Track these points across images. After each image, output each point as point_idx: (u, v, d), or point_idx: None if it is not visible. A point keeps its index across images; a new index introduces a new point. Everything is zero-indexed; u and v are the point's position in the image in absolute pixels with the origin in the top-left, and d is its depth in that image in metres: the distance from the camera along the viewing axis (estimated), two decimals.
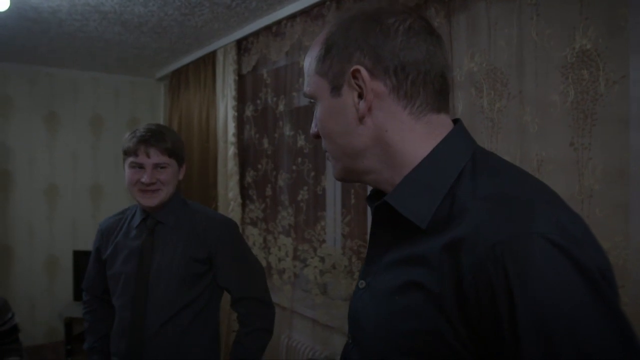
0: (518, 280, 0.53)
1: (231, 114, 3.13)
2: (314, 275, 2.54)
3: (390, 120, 0.69)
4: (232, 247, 1.66)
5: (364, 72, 0.67)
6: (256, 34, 2.93)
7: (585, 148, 1.51)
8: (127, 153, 1.55)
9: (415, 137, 0.69)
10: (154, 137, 1.53)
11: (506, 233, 0.56)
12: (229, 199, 3.13)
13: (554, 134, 1.56)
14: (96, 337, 1.75)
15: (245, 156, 3.18)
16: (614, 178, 1.45)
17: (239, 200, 3.11)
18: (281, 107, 2.81)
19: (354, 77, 0.68)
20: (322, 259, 2.52)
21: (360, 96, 0.69)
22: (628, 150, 1.42)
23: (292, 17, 2.61)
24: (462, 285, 0.57)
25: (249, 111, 3.14)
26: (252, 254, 1.75)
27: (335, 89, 0.70)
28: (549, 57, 1.57)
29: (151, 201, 1.55)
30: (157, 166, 1.54)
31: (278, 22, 2.71)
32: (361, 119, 0.69)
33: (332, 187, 2.58)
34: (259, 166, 3.04)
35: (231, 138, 3.13)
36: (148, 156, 1.53)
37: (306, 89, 0.76)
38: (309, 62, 0.75)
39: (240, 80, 3.16)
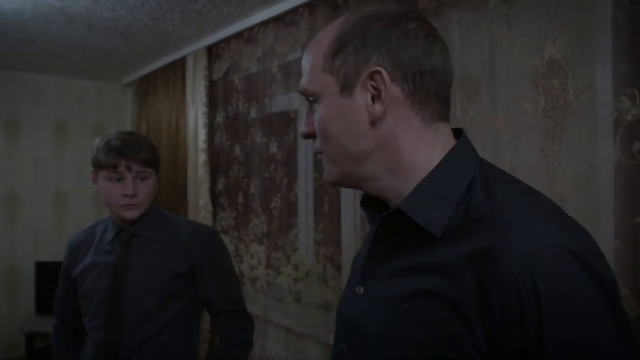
0: (547, 295, 0.54)
1: (202, 120, 3.08)
2: (287, 283, 2.52)
3: (401, 126, 0.68)
4: (217, 257, 1.59)
5: (385, 75, 0.66)
6: (227, 40, 2.90)
7: (555, 155, 1.54)
8: (102, 166, 1.45)
9: (424, 144, 0.68)
10: (132, 149, 1.44)
11: (535, 246, 0.56)
12: (199, 206, 3.08)
13: (525, 141, 1.59)
14: None
15: (216, 163, 3.14)
16: (583, 184, 1.49)
17: (210, 207, 3.06)
18: (253, 114, 2.79)
19: (371, 78, 0.66)
20: (296, 267, 2.50)
21: (374, 99, 0.67)
22: (596, 157, 1.47)
23: (265, 23, 2.60)
24: (487, 295, 0.57)
25: (219, 118, 3.10)
26: (232, 264, 1.70)
27: (347, 89, 0.68)
28: (520, 66, 1.60)
29: (133, 213, 1.47)
30: (136, 177, 1.46)
31: (250, 29, 2.69)
32: (374, 122, 0.67)
33: (304, 194, 2.57)
34: (231, 173, 3.00)
35: (202, 145, 3.08)
36: (129, 169, 1.45)
37: (306, 85, 0.72)
38: (312, 57, 0.72)
39: (211, 86, 3.12)
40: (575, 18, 1.49)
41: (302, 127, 0.75)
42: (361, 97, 0.67)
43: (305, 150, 2.59)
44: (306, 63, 0.73)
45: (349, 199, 2.17)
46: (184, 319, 1.53)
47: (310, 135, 0.74)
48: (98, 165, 1.47)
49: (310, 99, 0.72)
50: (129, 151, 1.44)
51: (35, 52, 3.36)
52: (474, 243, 0.60)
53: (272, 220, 2.64)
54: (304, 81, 0.73)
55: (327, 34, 0.71)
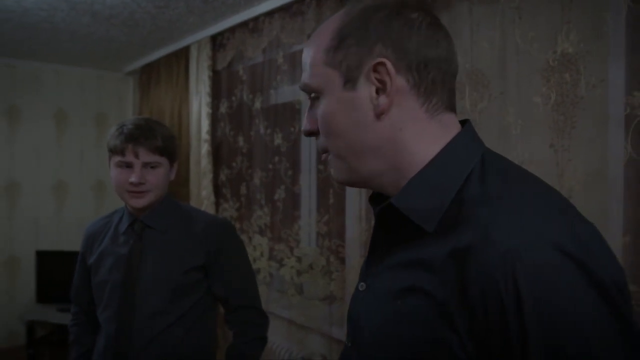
0: (530, 295, 0.51)
1: (205, 110, 3.06)
2: (290, 275, 2.51)
3: (406, 118, 0.65)
4: (233, 251, 1.56)
5: (389, 66, 0.63)
6: (232, 29, 2.88)
7: (565, 150, 1.54)
8: (113, 151, 1.43)
9: (427, 137, 0.66)
10: (143, 134, 1.41)
11: (518, 241, 0.53)
12: (202, 197, 3.07)
13: (535, 136, 1.58)
14: (79, 353, 1.60)
15: (219, 154, 3.12)
16: (593, 180, 1.48)
17: (213, 199, 3.05)
18: (257, 105, 2.77)
19: (375, 70, 0.64)
20: (299, 259, 2.49)
21: (378, 91, 0.65)
22: (606, 152, 1.46)
23: (270, 13, 2.57)
24: (468, 294, 0.55)
25: (223, 108, 3.08)
26: (249, 260, 1.66)
27: (350, 82, 0.66)
28: (532, 60, 1.59)
29: (139, 202, 1.44)
30: (146, 165, 1.43)
31: (255, 19, 2.67)
32: (379, 115, 0.65)
33: (307, 186, 2.56)
34: (234, 164, 2.99)
35: (205, 135, 3.06)
36: (137, 156, 1.41)
37: (308, 80, 0.70)
38: (312, 52, 0.69)
39: (215, 76, 3.10)
40: (589, 12, 1.48)
41: (304, 124, 0.74)
42: (365, 90, 0.65)
43: (309, 142, 2.57)
44: (307, 58, 0.71)
45: (355, 192, 2.16)
46: (199, 313, 1.50)
47: (312, 133, 0.72)
48: (110, 150, 1.45)
49: (312, 95, 0.71)
50: (139, 136, 1.41)
51: (36, 40, 3.33)
52: (459, 239, 0.58)
53: (276, 212, 2.63)
54: (305, 76, 0.71)
55: (328, 27, 0.69)
